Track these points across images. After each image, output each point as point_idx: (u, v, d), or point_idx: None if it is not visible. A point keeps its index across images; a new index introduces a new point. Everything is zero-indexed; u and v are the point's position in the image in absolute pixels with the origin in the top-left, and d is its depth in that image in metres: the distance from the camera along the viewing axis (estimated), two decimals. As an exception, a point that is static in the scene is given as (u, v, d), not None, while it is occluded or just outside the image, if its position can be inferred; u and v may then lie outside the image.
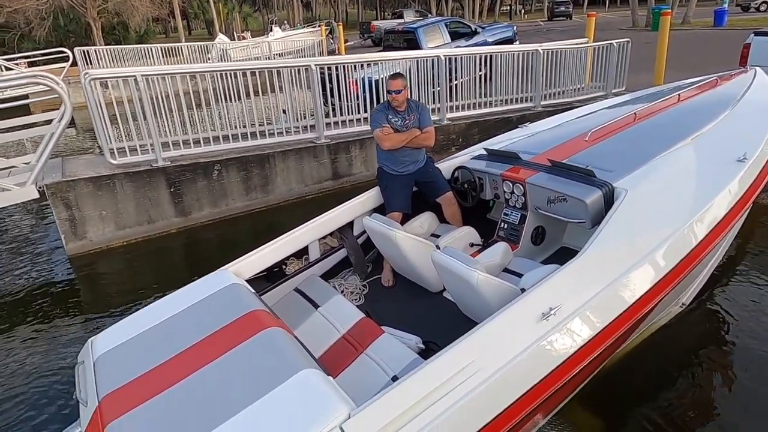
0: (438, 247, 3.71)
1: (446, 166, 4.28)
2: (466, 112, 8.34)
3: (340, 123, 7.22)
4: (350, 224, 4.11)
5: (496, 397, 2.26)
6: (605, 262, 2.77)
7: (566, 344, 2.49)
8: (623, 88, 9.18)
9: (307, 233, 3.88)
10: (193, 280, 3.33)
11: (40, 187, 5.33)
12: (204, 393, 2.32)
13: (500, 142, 4.63)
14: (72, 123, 7.51)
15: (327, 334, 3.25)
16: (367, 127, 7.33)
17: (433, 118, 7.96)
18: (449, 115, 8.12)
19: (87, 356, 2.88)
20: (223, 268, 3.49)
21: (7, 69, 14.98)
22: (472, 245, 3.78)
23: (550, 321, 2.42)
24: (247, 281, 3.62)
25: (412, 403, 2.08)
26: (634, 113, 4.36)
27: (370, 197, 4.17)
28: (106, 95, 5.73)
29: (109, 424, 2.28)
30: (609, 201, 3.27)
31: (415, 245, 3.48)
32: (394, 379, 2.70)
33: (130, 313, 3.14)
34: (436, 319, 3.46)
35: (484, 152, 4.29)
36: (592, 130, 4.00)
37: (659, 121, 4.37)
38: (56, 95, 5.16)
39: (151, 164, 5.92)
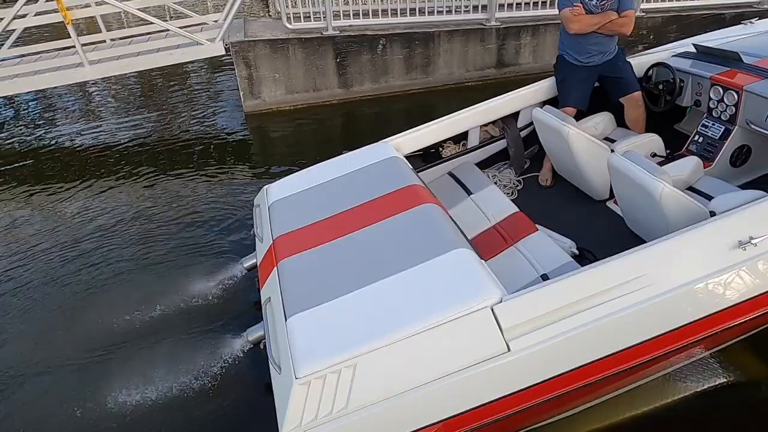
0: (613, 151, 3.37)
1: (639, 62, 3.71)
2: (665, 3, 7.05)
3: (514, 5, 6.57)
4: (515, 114, 3.87)
5: (661, 318, 2.10)
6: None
7: (757, 281, 2.18)
8: None
9: (469, 118, 3.75)
10: (352, 149, 3.47)
11: (226, 45, 5.77)
12: (362, 251, 2.49)
13: (713, 39, 3.86)
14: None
15: (477, 221, 3.24)
16: (544, 12, 6.61)
17: (625, 6, 6.89)
18: (644, 5, 6.94)
19: (263, 201, 3.24)
20: (384, 140, 3.55)
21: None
22: (653, 156, 3.36)
23: (747, 251, 2.11)
24: (406, 156, 3.68)
25: (570, 302, 2.01)
26: None
27: (542, 88, 3.83)
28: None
29: (281, 260, 2.58)
30: None
31: (587, 145, 3.18)
32: (544, 276, 2.64)
33: (298, 170, 3.41)
34: (594, 229, 3.24)
35: (693, 49, 3.61)
36: None
37: None
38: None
39: (322, 32, 6.03)
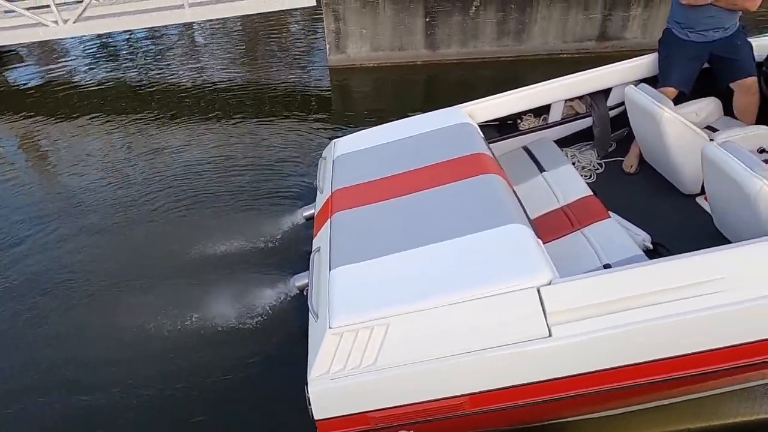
0: (712, 141, 3.02)
1: (762, 45, 3.25)
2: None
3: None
4: (606, 91, 3.56)
5: (728, 330, 1.88)
6: None
7: None
8: None
9: (553, 90, 3.50)
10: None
11: (316, -4, 5.78)
12: (416, 214, 2.44)
13: None
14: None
15: (545, 200, 3.07)
16: (663, -21, 5.95)
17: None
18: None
19: (329, 153, 3.26)
20: (458, 106, 3.43)
21: None
22: (762, 151, 2.97)
23: None
24: (479, 125, 3.53)
25: (624, 296, 1.85)
26: None
27: (642, 65, 3.48)
28: None
29: (336, 213, 2.60)
30: None
31: (683, 132, 2.87)
32: (607, 267, 2.45)
33: (368, 127, 3.39)
34: (677, 224, 2.95)
35: (832, 33, 3.11)
36: None
37: None
38: None
39: (415, -12, 5.86)
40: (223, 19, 7.13)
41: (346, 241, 2.39)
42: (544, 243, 2.76)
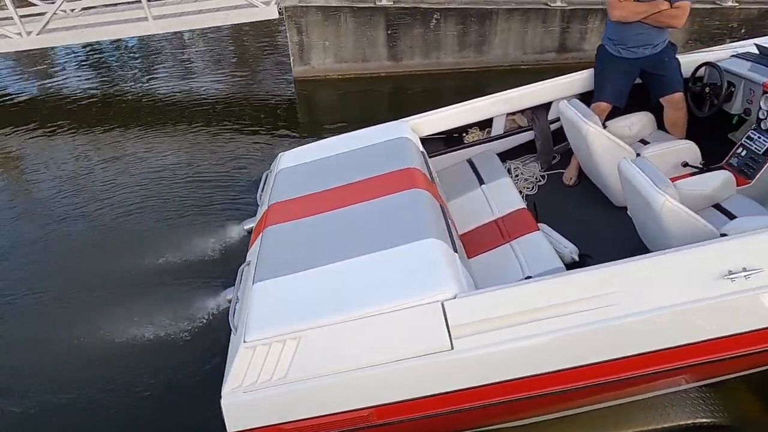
0: (639, 155, 3.12)
1: (690, 61, 3.36)
2: (767, -7, 6.31)
3: (585, -15, 6.13)
4: (547, 105, 3.66)
5: (619, 342, 1.96)
6: None
7: (738, 320, 1.96)
8: None
9: (495, 105, 3.59)
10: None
11: (279, 9, 5.84)
12: (343, 228, 2.49)
13: (788, 40, 3.42)
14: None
15: (481, 213, 3.14)
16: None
17: (714, -5, 6.25)
18: (738, -6, 6.26)
19: (274, 167, 3.31)
20: (404, 119, 3.49)
21: None
22: (685, 165, 3.07)
23: (735, 283, 1.90)
24: (425, 138, 3.60)
25: (522, 310, 1.92)
26: None
27: (580, 79, 3.58)
28: None
29: (267, 227, 2.65)
30: None
31: (608, 147, 2.96)
32: (528, 279, 2.53)
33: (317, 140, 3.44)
34: (608, 236, 3.04)
35: (755, 50, 3.23)
36: None
37: None
38: None
39: (375, 2, 5.94)
40: (188, 31, 7.17)
41: (273, 255, 2.43)
42: (475, 255, 2.88)
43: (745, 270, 1.90)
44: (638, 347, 1.93)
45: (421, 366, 1.91)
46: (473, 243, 2.96)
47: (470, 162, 3.67)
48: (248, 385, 1.97)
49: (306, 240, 2.48)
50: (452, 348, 1.91)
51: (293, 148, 3.43)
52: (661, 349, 1.93)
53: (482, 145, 3.75)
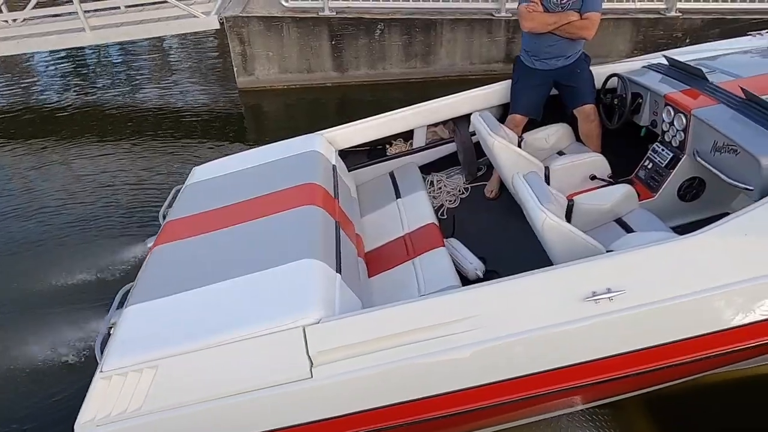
0: (548, 169, 3.08)
1: (604, 72, 3.35)
2: (708, 4, 6.39)
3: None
4: (468, 116, 3.62)
5: (480, 368, 1.90)
6: (736, 254, 1.96)
7: (601, 344, 1.91)
8: None
9: (415, 116, 3.54)
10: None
11: (220, 19, 5.75)
12: (229, 248, 2.40)
13: (700, 51, 3.43)
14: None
15: (392, 228, 3.07)
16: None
17: (659, 5, 6.31)
18: (681, 5, 6.32)
19: (187, 181, 3.21)
20: (320, 132, 3.42)
21: None
22: (593, 178, 3.04)
23: (599, 305, 1.85)
24: (346, 151, 3.53)
25: (384, 335, 1.85)
26: None
27: (500, 90, 3.56)
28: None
29: (156, 246, 2.55)
30: None
31: (514, 160, 2.92)
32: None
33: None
34: (521, 251, 2.97)
35: (665, 62, 3.22)
36: None
37: None
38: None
39: (318, 12, 5.89)
40: (128, 42, 7.04)
41: (153, 276, 2.34)
42: (378, 273, 2.80)
43: (609, 290, 1.84)
44: (497, 374, 1.86)
45: (279, 395, 1.82)
46: (380, 260, 2.88)
47: (391, 175, 3.61)
48: (101, 417, 1.86)
49: (189, 260, 2.38)
50: (311, 376, 1.83)
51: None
52: (519, 377, 1.87)
53: (405, 157, 3.70)
